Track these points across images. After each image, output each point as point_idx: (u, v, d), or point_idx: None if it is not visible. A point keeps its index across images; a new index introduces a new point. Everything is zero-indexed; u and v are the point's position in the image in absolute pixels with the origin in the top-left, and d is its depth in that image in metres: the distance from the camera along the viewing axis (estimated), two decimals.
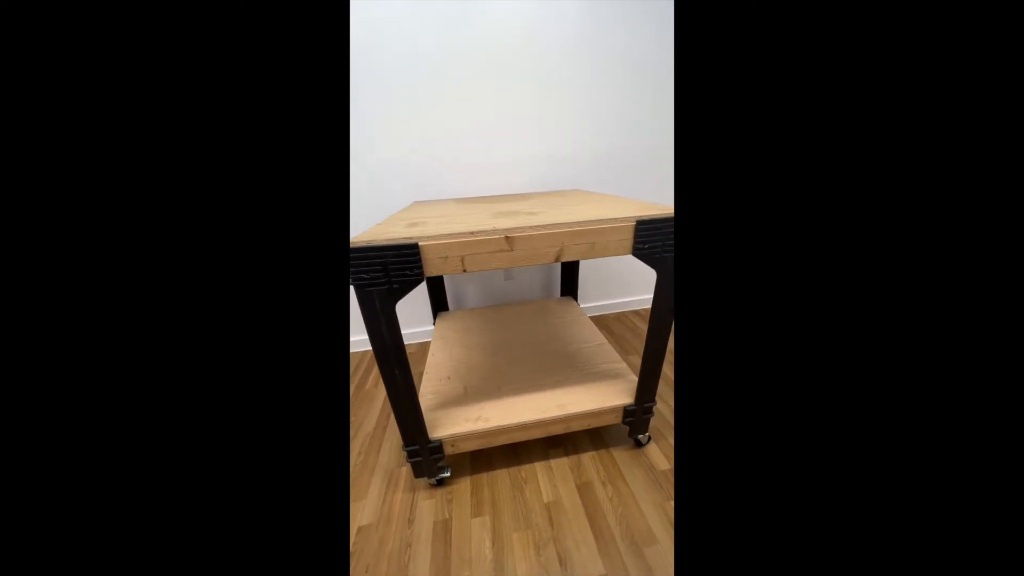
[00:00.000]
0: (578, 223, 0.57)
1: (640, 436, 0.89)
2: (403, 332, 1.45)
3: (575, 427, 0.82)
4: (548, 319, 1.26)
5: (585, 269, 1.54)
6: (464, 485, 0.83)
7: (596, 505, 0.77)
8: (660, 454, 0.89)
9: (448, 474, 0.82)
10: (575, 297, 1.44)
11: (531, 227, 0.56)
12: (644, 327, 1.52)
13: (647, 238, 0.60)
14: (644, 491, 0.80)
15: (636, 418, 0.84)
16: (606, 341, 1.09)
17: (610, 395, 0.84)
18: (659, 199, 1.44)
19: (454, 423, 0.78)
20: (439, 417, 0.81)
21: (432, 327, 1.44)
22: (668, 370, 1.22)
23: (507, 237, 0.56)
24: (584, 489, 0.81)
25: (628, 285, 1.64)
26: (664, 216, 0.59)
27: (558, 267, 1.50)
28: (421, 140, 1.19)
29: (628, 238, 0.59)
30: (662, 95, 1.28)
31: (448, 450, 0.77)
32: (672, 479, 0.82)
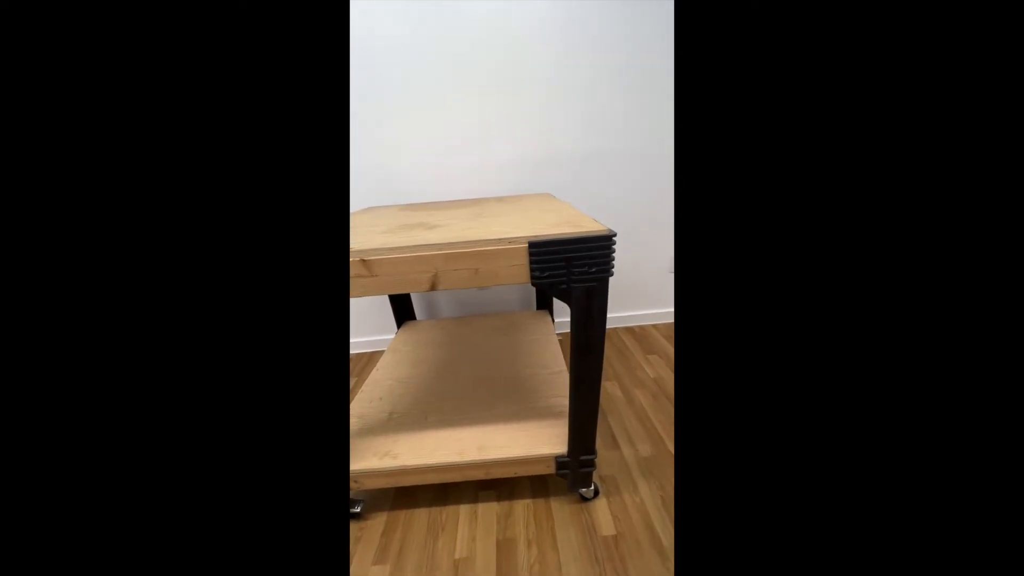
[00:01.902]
0: (454, 244, 0.46)
1: (584, 490, 0.74)
2: (370, 339, 1.43)
3: (497, 474, 0.71)
4: (513, 336, 1.14)
5: None
6: (379, 522, 0.76)
7: (512, 571, 0.66)
8: (608, 514, 0.74)
9: (358, 510, 0.75)
10: (551, 310, 1.29)
11: (395, 248, 0.46)
12: (634, 348, 1.33)
13: (546, 264, 0.46)
14: (574, 562, 0.66)
15: (572, 471, 0.70)
16: (565, 368, 0.95)
17: (542, 441, 0.71)
18: (648, 202, 1.25)
19: (361, 457, 0.71)
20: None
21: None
22: (647, 402, 1.04)
23: (363, 261, 0.46)
24: (505, 547, 0.70)
25: (621, 298, 1.45)
26: (569, 236, 0.45)
27: None
28: (398, 143, 1.13)
29: (522, 263, 0.47)
30: (648, 95, 1.11)
31: (352, 486, 0.70)
32: (614, 549, 0.67)
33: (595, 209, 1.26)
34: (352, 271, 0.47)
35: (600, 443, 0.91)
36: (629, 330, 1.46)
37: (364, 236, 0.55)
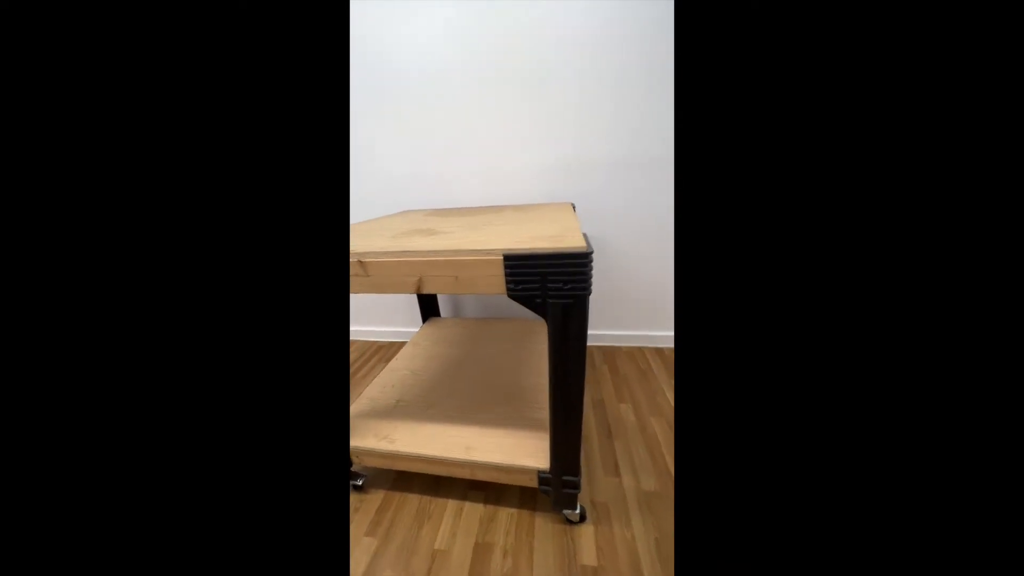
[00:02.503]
0: (436, 252, 0.49)
1: (568, 512, 0.72)
2: (401, 330, 1.55)
3: (481, 477, 0.72)
4: (526, 343, 1.14)
5: (608, 290, 1.33)
6: (376, 498, 0.83)
7: (483, 575, 0.66)
8: (592, 543, 0.70)
9: (360, 483, 0.83)
10: None
11: (388, 252, 0.51)
12: (660, 371, 1.22)
13: (520, 277, 0.47)
14: None
15: (555, 490, 0.68)
16: None
17: (526, 452, 0.71)
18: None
19: (362, 436, 0.79)
20: (354, 425, 0.82)
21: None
22: (662, 433, 0.95)
23: (360, 262, 0.52)
24: (481, 550, 0.71)
25: (652, 316, 1.34)
26: (543, 251, 0.45)
27: None
28: (438, 148, 1.23)
29: (498, 274, 0.48)
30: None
31: (354, 460, 0.78)
32: None
33: (631, 217, 1.20)
34: (352, 271, 0.53)
35: (600, 467, 0.87)
36: (658, 351, 1.35)
37: (371, 239, 0.62)
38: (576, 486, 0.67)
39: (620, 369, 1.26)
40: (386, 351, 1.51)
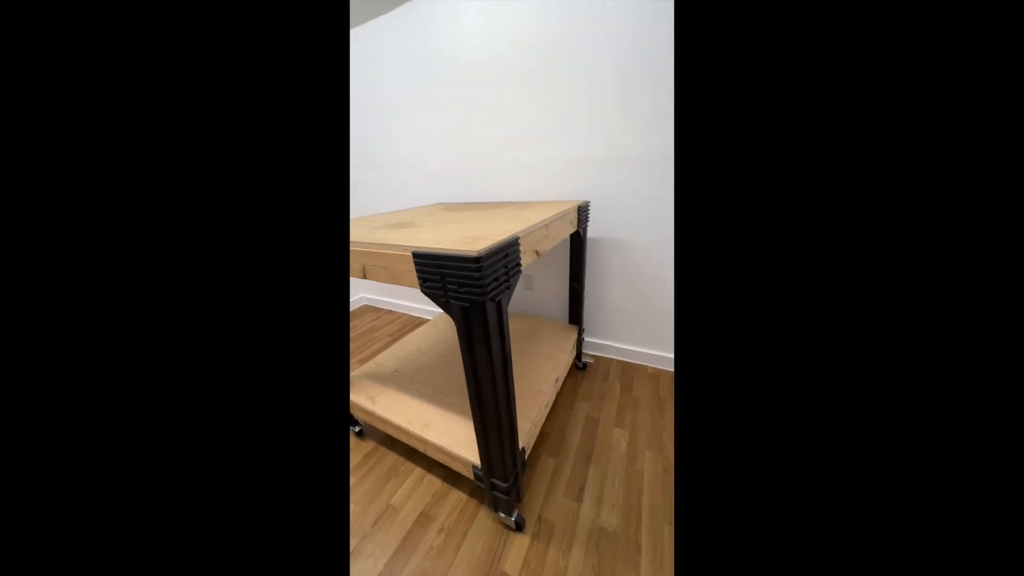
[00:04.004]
0: (373, 245, 0.54)
1: (503, 516, 0.71)
2: (432, 309, 1.71)
3: (431, 454, 0.78)
4: (527, 344, 1.12)
5: (634, 301, 1.19)
6: (367, 446, 0.99)
7: (416, 540, 0.73)
8: (521, 554, 0.68)
9: (358, 430, 0.99)
10: (580, 325, 1.17)
11: (351, 242, 0.59)
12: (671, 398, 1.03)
13: (426, 275, 0.48)
14: (464, 570, 0.66)
15: (487, 489, 0.68)
16: (544, 391, 0.88)
17: (467, 445, 0.72)
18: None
19: (357, 391, 0.93)
20: (356, 381, 0.98)
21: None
22: (651, 472, 0.81)
23: None
24: (423, 519, 0.77)
25: None
26: (441, 252, 0.45)
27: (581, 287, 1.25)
28: (476, 146, 1.29)
29: (411, 270, 0.50)
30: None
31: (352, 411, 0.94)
32: None
33: (663, 220, 1.03)
34: None
35: (563, 486, 0.82)
36: None
37: (357, 229, 0.72)
38: (507, 492, 0.65)
39: (634, 390, 1.12)
40: (415, 325, 1.70)
